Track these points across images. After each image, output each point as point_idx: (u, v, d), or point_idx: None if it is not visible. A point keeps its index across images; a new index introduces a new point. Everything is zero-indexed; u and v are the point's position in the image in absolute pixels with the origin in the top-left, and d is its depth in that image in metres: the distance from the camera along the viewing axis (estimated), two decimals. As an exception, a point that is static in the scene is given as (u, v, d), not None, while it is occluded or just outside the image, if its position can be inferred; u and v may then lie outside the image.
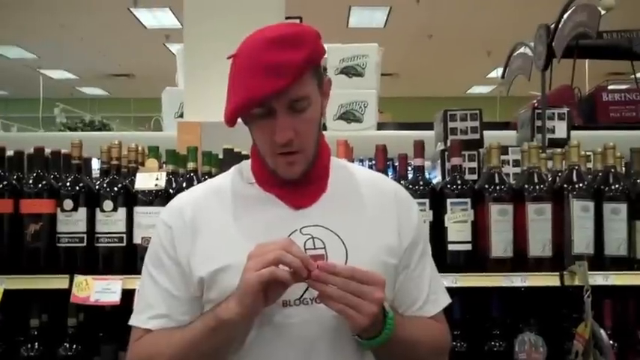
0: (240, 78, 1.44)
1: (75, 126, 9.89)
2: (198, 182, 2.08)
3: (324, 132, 1.61)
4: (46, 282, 2.25)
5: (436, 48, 12.92)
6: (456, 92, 15.93)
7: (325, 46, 1.52)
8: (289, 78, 1.40)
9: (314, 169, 1.54)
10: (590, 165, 2.66)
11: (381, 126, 4.71)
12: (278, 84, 1.39)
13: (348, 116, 4.37)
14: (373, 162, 2.63)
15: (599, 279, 2.28)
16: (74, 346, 2.33)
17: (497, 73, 10.27)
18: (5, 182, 2.33)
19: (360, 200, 1.59)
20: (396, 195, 1.63)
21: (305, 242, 1.47)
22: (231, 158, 2.41)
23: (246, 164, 1.62)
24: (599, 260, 2.35)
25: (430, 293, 1.62)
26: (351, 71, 4.47)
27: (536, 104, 3.93)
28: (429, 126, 3.24)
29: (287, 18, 3.79)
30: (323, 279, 1.35)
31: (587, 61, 8.07)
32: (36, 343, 2.32)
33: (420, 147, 2.42)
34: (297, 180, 1.51)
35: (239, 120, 1.50)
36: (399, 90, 14.27)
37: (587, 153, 2.67)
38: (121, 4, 10.56)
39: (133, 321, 1.55)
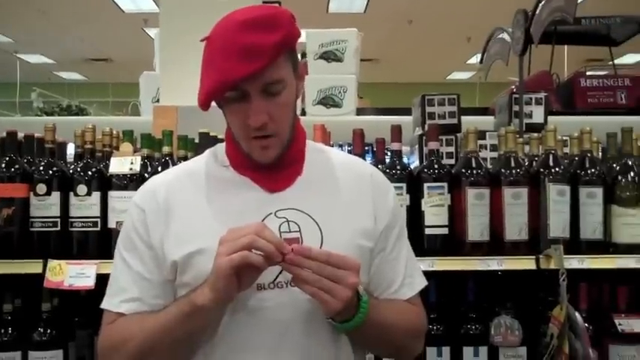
0: (214, 61, 1.42)
1: (52, 111, 9.81)
2: (174, 166, 2.06)
3: (303, 117, 1.59)
4: (19, 267, 2.22)
5: (416, 33, 12.89)
6: (436, 78, 15.92)
7: (304, 31, 1.51)
8: (263, 61, 1.38)
9: (289, 152, 1.53)
10: (567, 150, 2.67)
11: (360, 111, 4.71)
12: (251, 67, 1.38)
13: (327, 101, 4.36)
14: (352, 147, 2.63)
15: (574, 262, 2.29)
16: (48, 331, 2.30)
17: (476, 59, 10.27)
18: (-23, 166, 2.29)
19: (335, 184, 1.58)
20: (373, 178, 1.63)
21: (280, 225, 1.46)
22: (207, 142, 2.39)
23: (221, 147, 1.60)
24: (575, 244, 2.36)
25: (406, 276, 1.61)
26: (330, 56, 4.46)
27: (514, 89, 3.94)
28: (408, 111, 3.23)
29: (265, 3, 3.76)
30: (297, 262, 1.34)
31: (566, 47, 8.11)
32: (9, 329, 2.29)
33: (397, 131, 2.42)
34: (271, 163, 1.50)
35: (214, 104, 1.48)
36: (378, 75, 14.24)
37: (565, 138, 2.68)
38: (99, -13, 10.43)
39: (105, 304, 1.53)
